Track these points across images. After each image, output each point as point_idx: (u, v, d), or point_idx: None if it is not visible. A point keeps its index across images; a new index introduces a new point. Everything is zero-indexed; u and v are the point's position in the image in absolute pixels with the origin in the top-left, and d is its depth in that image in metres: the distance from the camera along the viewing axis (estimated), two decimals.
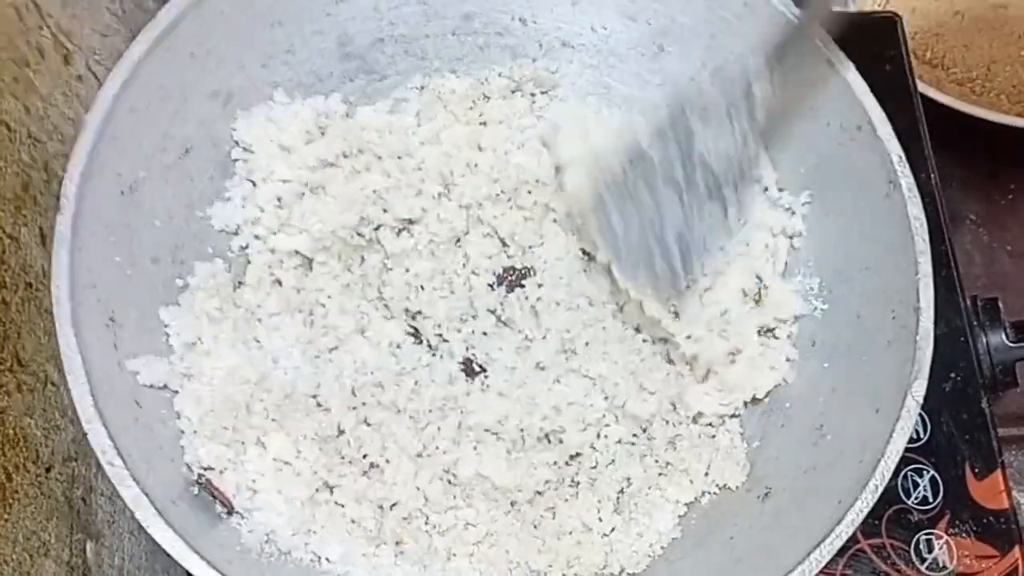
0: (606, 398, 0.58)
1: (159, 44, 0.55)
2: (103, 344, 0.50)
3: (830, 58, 0.57)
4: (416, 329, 0.60)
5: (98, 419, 0.47)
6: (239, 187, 0.61)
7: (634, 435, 0.59)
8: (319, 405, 0.57)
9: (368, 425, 0.57)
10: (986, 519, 0.60)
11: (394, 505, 0.55)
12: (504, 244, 0.62)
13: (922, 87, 0.77)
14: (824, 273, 0.59)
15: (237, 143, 0.60)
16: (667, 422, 0.59)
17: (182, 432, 0.53)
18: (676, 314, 0.58)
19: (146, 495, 0.46)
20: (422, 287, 0.60)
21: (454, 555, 0.55)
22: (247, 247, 0.61)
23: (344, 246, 0.60)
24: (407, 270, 0.60)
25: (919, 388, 0.50)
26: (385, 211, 0.61)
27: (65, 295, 0.49)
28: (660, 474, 0.58)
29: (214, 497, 0.51)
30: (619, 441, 0.58)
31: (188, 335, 0.55)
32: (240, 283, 0.60)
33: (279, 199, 0.61)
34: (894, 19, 0.76)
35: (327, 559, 0.53)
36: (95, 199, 0.52)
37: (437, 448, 0.56)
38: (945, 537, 0.60)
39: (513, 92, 0.66)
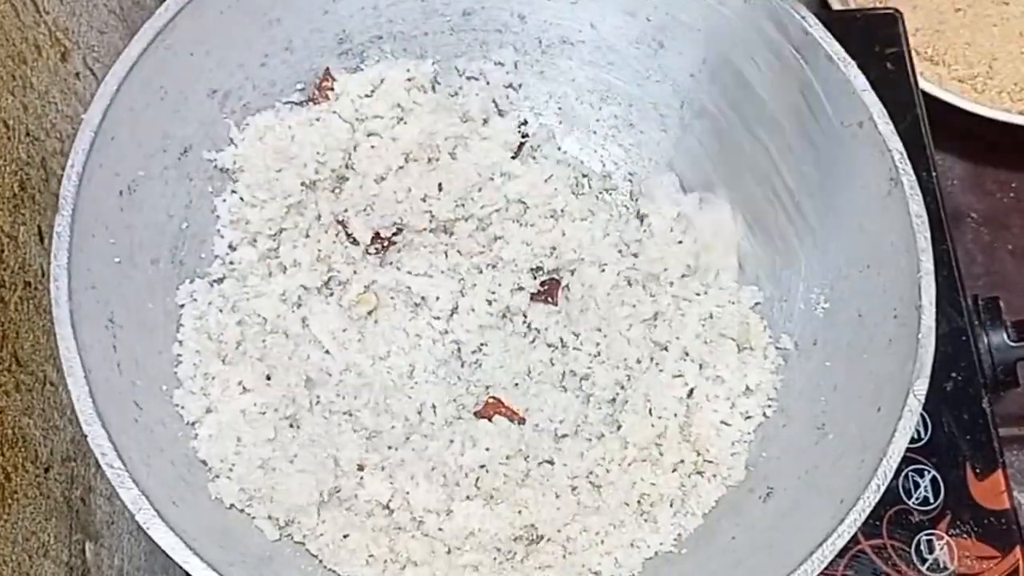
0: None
1: (158, 42, 0.55)
2: (102, 345, 0.50)
3: (831, 54, 0.57)
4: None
5: (97, 421, 0.47)
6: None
7: None
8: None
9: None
10: (987, 520, 0.60)
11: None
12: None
13: (923, 84, 0.76)
14: (825, 271, 0.59)
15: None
16: None
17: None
18: None
19: (146, 496, 0.46)
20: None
21: None
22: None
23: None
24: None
25: (921, 387, 0.50)
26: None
27: (64, 296, 0.49)
28: None
29: None
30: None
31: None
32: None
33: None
34: (895, 15, 0.76)
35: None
36: (94, 199, 0.52)
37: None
38: (946, 538, 0.60)
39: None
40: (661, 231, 0.63)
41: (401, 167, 0.63)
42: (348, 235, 0.62)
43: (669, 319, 0.61)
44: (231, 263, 0.60)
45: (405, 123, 0.63)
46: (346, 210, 0.62)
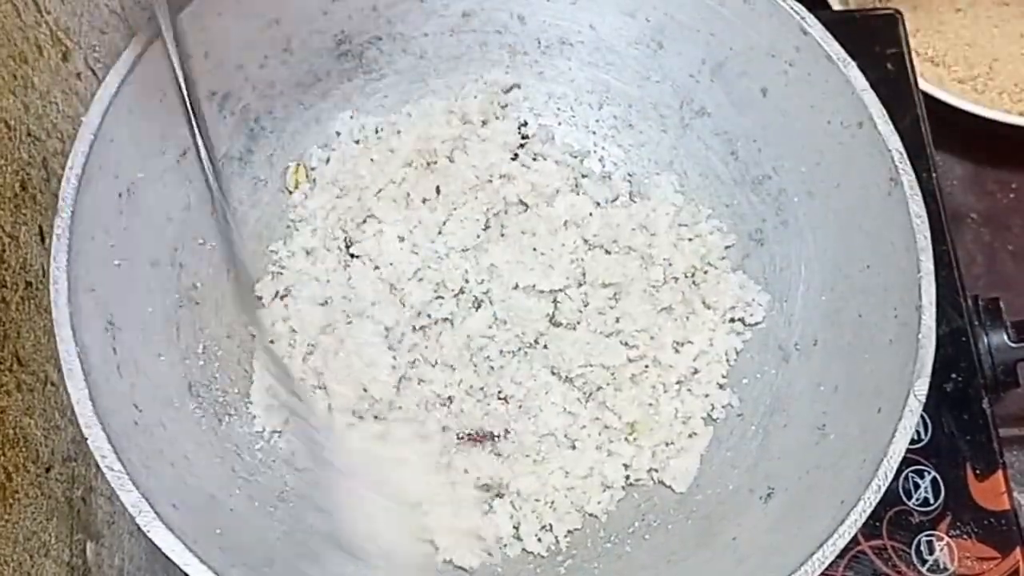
0: None
1: (158, 43, 0.55)
2: (102, 347, 0.50)
3: (830, 54, 0.57)
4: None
5: (97, 424, 0.47)
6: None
7: None
8: None
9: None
10: (987, 520, 0.60)
11: None
12: None
13: (923, 85, 0.76)
14: (825, 271, 0.59)
15: None
16: None
17: None
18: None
19: (146, 499, 0.46)
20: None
21: None
22: None
23: None
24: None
25: (921, 387, 0.50)
26: None
27: (63, 298, 0.49)
28: None
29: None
30: None
31: None
32: None
33: None
34: (895, 16, 0.76)
35: None
36: (93, 201, 0.52)
37: None
38: (946, 539, 0.60)
39: None
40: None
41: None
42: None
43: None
44: None
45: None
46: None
